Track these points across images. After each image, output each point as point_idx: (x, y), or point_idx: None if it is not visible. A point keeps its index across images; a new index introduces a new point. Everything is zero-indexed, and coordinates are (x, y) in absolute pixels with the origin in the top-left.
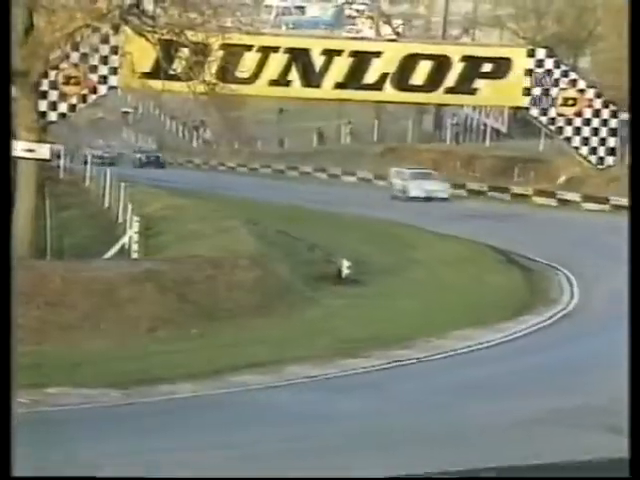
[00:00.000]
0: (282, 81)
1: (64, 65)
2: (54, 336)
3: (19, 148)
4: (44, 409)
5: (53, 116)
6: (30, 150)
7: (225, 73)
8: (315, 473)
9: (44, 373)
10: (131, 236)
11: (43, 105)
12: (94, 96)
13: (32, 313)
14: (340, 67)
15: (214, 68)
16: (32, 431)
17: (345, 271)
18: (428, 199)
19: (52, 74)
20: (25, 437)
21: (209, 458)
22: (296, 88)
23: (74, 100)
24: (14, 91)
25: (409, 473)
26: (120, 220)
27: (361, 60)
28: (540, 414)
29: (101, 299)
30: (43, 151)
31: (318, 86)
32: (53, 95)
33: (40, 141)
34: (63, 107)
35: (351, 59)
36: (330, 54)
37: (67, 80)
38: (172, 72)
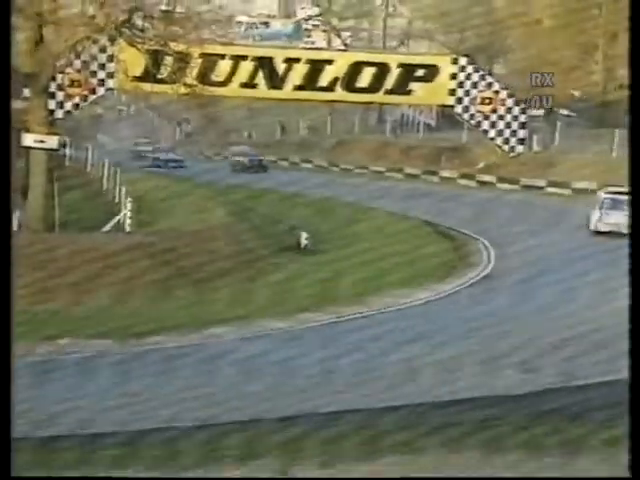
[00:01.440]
0: (251, 84)
1: (69, 70)
2: (62, 296)
3: (31, 140)
4: (57, 357)
5: (60, 113)
6: (41, 141)
7: (203, 77)
8: (273, 406)
9: (55, 327)
10: (125, 213)
11: (51, 104)
12: (94, 96)
13: (43, 277)
14: (299, 72)
15: (194, 73)
16: (50, 371)
17: (304, 242)
18: None
19: (59, 78)
20: (45, 377)
21: (188, 395)
22: (262, 90)
23: (77, 100)
24: (27, 92)
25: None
26: (116, 200)
27: (316, 66)
28: (461, 356)
29: (100, 265)
30: (51, 142)
31: (281, 88)
32: (59, 95)
33: (49, 134)
34: (68, 106)
35: (308, 66)
36: (290, 62)
37: (71, 83)
38: (159, 76)
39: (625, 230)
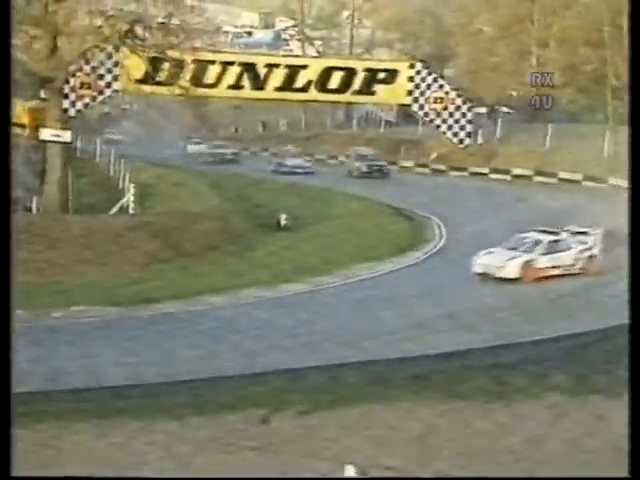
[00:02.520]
0: (237, 86)
1: (79, 74)
2: (75, 269)
3: (48, 134)
4: (71, 321)
5: (72, 112)
6: (56, 135)
7: (196, 80)
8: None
9: (68, 296)
10: (129, 198)
11: (65, 103)
12: (101, 97)
13: (59, 253)
14: (278, 76)
15: (188, 76)
16: (66, 333)
17: (283, 222)
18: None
19: (71, 81)
20: (61, 337)
21: (184, 353)
22: (247, 91)
23: (87, 100)
24: (44, 94)
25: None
26: (120, 186)
27: (293, 71)
28: (412, 322)
29: (109, 242)
30: (66, 136)
31: (263, 89)
32: (72, 96)
33: (63, 129)
34: (79, 105)
35: (286, 70)
36: (271, 67)
37: (82, 85)
38: (157, 79)
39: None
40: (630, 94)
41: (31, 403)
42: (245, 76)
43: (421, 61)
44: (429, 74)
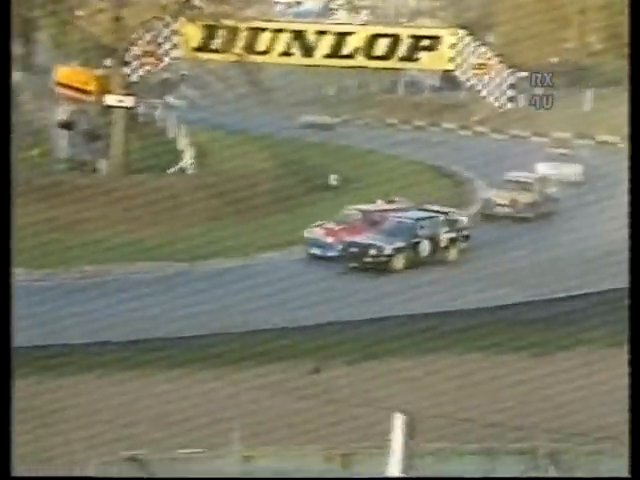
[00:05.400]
0: (288, 53)
1: (141, 43)
2: (138, 226)
3: (113, 100)
4: (137, 277)
5: (134, 78)
6: (120, 101)
7: (249, 48)
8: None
9: (138, 252)
10: (188, 159)
11: (128, 70)
12: (161, 64)
13: (123, 212)
14: (326, 43)
15: (241, 44)
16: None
17: (332, 182)
18: None
19: (134, 49)
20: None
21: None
22: (297, 58)
23: (148, 67)
24: (109, 62)
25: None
26: (180, 149)
27: (340, 38)
28: None
29: (169, 201)
30: (129, 102)
31: (312, 56)
32: (134, 64)
33: (126, 95)
34: (141, 72)
35: (334, 37)
36: (319, 34)
37: (144, 53)
38: (213, 47)
39: None
40: (630, 94)
41: (165, 349)
42: (295, 44)
43: (463, 28)
44: (471, 41)
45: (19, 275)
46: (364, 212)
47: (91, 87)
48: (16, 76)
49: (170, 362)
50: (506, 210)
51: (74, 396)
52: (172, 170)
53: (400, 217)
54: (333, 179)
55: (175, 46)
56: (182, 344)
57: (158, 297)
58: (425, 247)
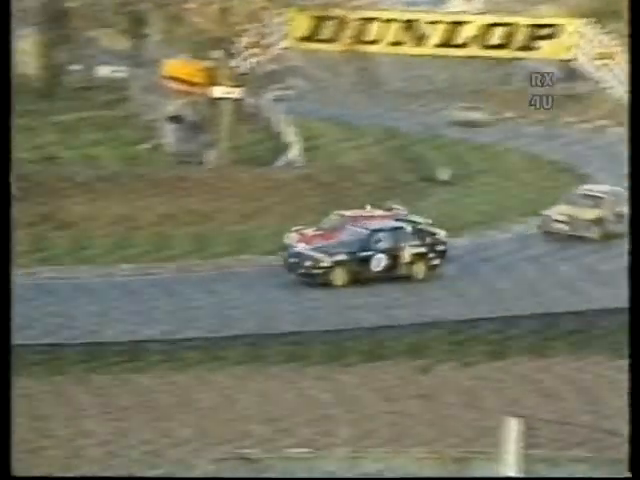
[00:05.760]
0: (398, 42)
1: (249, 33)
2: (245, 218)
3: (220, 92)
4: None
5: (242, 69)
6: (228, 93)
7: (357, 37)
8: None
9: (245, 246)
10: (294, 151)
11: (236, 62)
12: (269, 55)
13: (229, 203)
14: (438, 32)
15: (351, 34)
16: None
17: (444, 177)
18: None
19: (241, 41)
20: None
21: None
22: (407, 47)
23: (256, 58)
24: (216, 54)
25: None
26: (287, 140)
27: (453, 27)
28: None
29: (275, 193)
30: (237, 93)
31: (423, 46)
32: (242, 55)
33: (235, 86)
34: (249, 63)
35: (446, 27)
36: (432, 23)
37: (251, 44)
38: (321, 37)
39: None
40: (630, 93)
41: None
42: (406, 33)
43: (584, 17)
44: (594, 30)
45: (157, 268)
46: (343, 218)
47: (199, 79)
48: (125, 71)
49: (280, 359)
50: (563, 227)
51: (196, 392)
52: (280, 163)
53: (358, 227)
54: (444, 173)
55: (283, 37)
56: (297, 340)
57: (267, 292)
58: (380, 262)
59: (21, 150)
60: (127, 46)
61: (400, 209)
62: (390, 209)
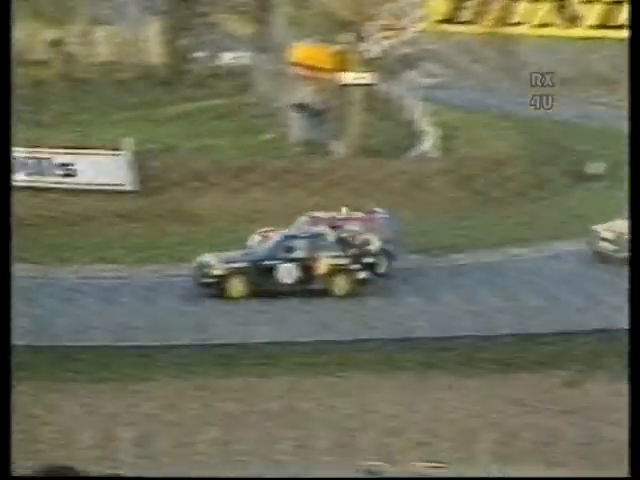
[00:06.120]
0: (546, 24)
1: (381, 16)
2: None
3: (351, 78)
4: None
5: (374, 54)
6: (358, 78)
7: (500, 19)
8: None
9: None
10: (430, 142)
11: (368, 45)
12: (403, 38)
13: (358, 196)
14: (594, 12)
15: (494, 15)
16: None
17: (596, 171)
18: None
19: (372, 23)
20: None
21: None
22: (557, 29)
23: (388, 42)
24: (346, 38)
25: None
26: (421, 130)
27: (612, 6)
28: None
29: (410, 187)
30: (369, 79)
31: (576, 27)
32: (373, 38)
33: (366, 71)
34: (382, 46)
35: (604, 6)
36: (586, 2)
37: (383, 27)
38: (462, 19)
39: None
40: (630, 94)
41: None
42: (557, 13)
43: None
44: None
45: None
46: (313, 219)
47: (328, 65)
48: (249, 57)
49: (411, 364)
50: (609, 247)
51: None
52: (413, 153)
53: (284, 232)
54: (596, 167)
55: (419, 19)
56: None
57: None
58: (289, 272)
59: (145, 142)
60: (251, 31)
61: (380, 212)
62: (372, 212)
